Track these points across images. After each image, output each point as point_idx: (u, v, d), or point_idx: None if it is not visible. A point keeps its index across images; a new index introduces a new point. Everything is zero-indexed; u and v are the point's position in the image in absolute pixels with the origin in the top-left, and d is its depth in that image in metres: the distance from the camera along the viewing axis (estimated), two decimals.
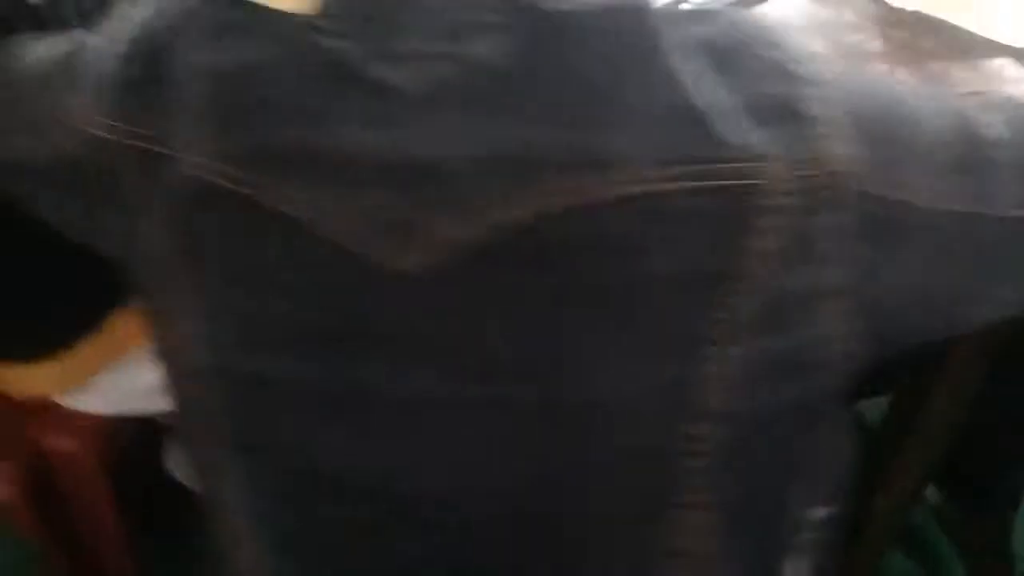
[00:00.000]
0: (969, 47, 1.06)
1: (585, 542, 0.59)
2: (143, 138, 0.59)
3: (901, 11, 1.05)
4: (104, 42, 0.64)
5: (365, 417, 0.58)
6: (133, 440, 1.25)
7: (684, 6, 0.59)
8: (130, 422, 1.21)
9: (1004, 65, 1.03)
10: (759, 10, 0.96)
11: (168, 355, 0.65)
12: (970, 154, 0.58)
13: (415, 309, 0.55)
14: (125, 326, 1.08)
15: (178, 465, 1.43)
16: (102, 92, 0.61)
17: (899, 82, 0.59)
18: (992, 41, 1.04)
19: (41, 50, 0.75)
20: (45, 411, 1.14)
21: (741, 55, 0.54)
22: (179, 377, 0.65)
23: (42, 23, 0.89)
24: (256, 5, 0.56)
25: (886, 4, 1.06)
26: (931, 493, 1.36)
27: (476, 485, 0.58)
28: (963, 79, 1.03)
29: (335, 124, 0.53)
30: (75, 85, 0.64)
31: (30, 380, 1.10)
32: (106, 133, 0.60)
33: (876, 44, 1.05)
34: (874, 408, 1.35)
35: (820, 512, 0.70)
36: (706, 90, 0.52)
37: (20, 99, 0.72)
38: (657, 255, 0.53)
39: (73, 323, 1.07)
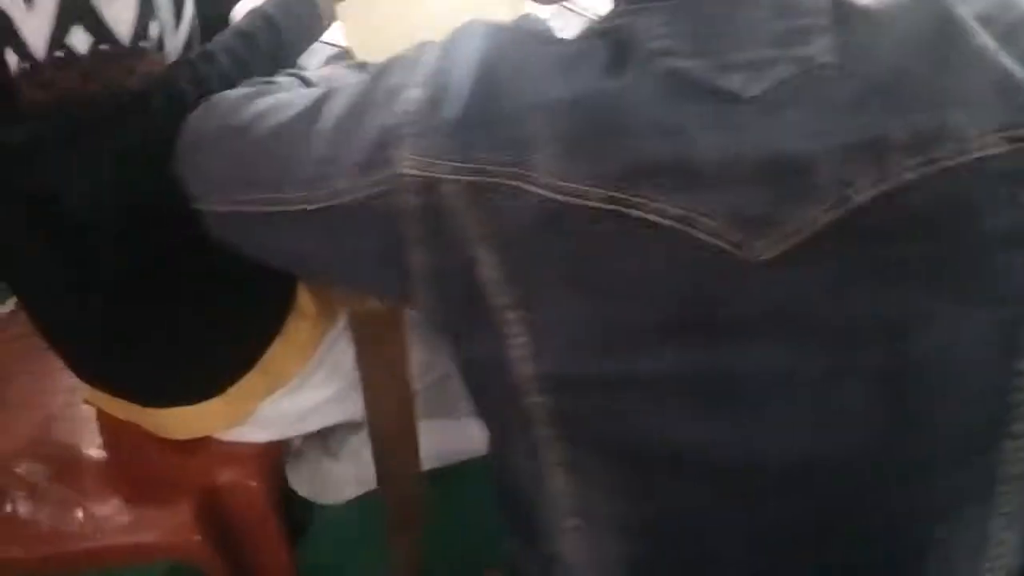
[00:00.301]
0: None
1: (926, 484, 0.65)
2: (479, 172, 0.63)
3: None
4: (388, 86, 0.68)
5: (718, 399, 0.63)
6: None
7: None
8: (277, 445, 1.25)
9: None
10: None
11: (488, 372, 0.69)
12: None
13: (771, 293, 0.61)
14: (282, 354, 1.12)
15: (299, 480, 1.48)
16: (419, 134, 0.64)
17: None
18: None
19: (276, 102, 0.78)
20: (208, 447, 1.18)
21: (1019, 27, 0.62)
22: (500, 390, 0.68)
23: (200, 80, 0.93)
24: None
25: None
26: None
27: (826, 448, 0.64)
28: None
29: (694, 134, 0.59)
30: (363, 132, 0.67)
31: (198, 420, 1.13)
32: (430, 173, 0.64)
33: None
34: None
35: None
36: (1006, 60, 0.60)
37: (277, 153, 0.75)
38: (992, 213, 0.60)
39: (238, 359, 1.10)
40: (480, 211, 0.63)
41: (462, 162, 0.63)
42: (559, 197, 0.61)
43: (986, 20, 0.62)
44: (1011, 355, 0.63)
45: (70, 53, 0.85)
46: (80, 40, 0.85)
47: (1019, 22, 0.63)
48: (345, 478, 1.42)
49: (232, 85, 0.89)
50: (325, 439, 1.41)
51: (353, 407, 1.21)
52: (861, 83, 0.60)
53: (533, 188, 0.62)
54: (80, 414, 1.26)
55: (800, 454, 0.64)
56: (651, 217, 0.60)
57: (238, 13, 1.09)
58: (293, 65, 1.01)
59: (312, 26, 1.08)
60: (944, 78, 0.60)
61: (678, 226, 0.60)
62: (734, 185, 0.60)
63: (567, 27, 0.92)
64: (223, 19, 1.08)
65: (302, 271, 0.83)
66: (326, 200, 0.71)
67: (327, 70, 0.90)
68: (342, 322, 1.18)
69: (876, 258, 0.60)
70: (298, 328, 1.13)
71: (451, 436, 1.27)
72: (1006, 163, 0.60)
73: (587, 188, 0.61)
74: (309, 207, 0.72)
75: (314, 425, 1.23)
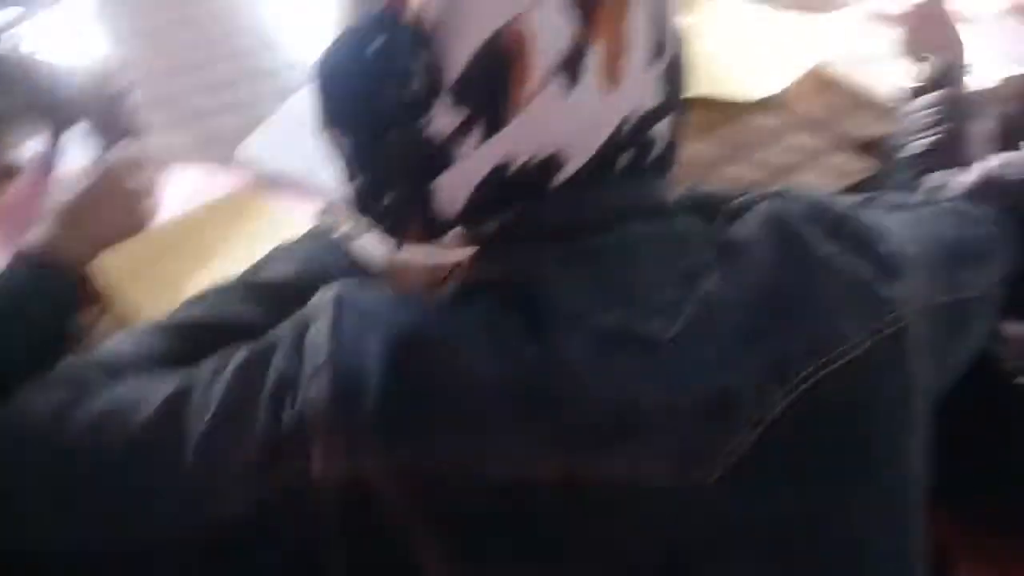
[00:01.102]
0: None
1: None
2: (415, 465, 0.58)
3: None
4: (273, 376, 0.61)
5: None
6: None
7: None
8: None
9: None
10: None
11: None
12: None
13: (714, 518, 0.62)
14: None
15: None
16: (333, 431, 0.58)
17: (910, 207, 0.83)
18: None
19: (108, 407, 0.67)
20: None
21: (840, 223, 0.68)
22: None
23: None
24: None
25: None
26: None
27: None
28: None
29: (630, 386, 0.60)
30: (253, 434, 0.60)
31: None
32: (354, 473, 0.58)
33: None
34: None
35: None
36: (843, 258, 0.67)
37: (134, 471, 0.64)
38: (876, 404, 0.67)
39: None
40: (419, 501, 0.59)
41: (393, 457, 0.58)
42: (507, 474, 0.59)
43: (813, 222, 0.67)
44: (907, 540, 0.71)
45: None
46: None
47: (838, 219, 0.69)
48: None
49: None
50: None
51: None
52: (752, 310, 0.63)
53: (479, 470, 0.59)
54: None
55: None
56: (602, 477, 0.60)
57: None
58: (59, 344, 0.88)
59: (64, 294, 0.93)
60: (810, 291, 0.65)
61: (628, 478, 0.60)
62: (672, 427, 0.60)
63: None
64: None
65: None
66: (211, 514, 0.62)
67: (127, 342, 0.77)
68: None
69: (792, 463, 0.65)
70: None
71: None
72: (876, 356, 0.66)
73: (535, 461, 0.59)
74: (188, 531, 0.63)
75: None
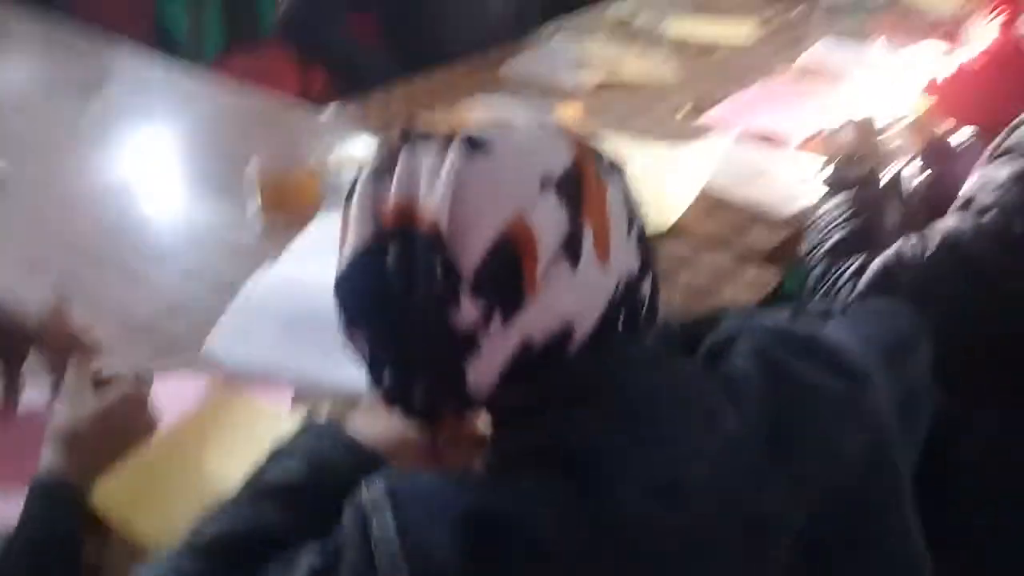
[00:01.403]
0: None
1: None
2: None
3: None
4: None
5: None
6: None
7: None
8: None
9: None
10: None
11: None
12: None
13: None
14: None
15: None
16: None
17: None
18: None
19: None
20: None
21: (809, 344, 0.79)
22: None
23: None
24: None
25: None
26: None
27: None
28: None
29: (683, 526, 0.68)
30: None
31: None
32: None
33: None
34: None
35: None
36: (825, 380, 0.76)
37: None
38: (878, 494, 0.79)
39: None
40: None
41: None
42: None
43: (786, 349, 0.78)
44: None
45: None
46: None
47: (804, 342, 0.80)
48: None
49: None
50: None
51: None
52: (764, 441, 0.73)
53: None
54: None
55: None
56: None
57: None
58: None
59: (79, 520, 0.95)
60: (807, 416, 0.75)
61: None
62: (724, 556, 0.70)
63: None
64: None
65: None
66: None
67: (161, 568, 0.78)
68: None
69: (819, 565, 0.76)
70: None
71: None
72: (870, 458, 0.77)
73: None
74: None
75: None
